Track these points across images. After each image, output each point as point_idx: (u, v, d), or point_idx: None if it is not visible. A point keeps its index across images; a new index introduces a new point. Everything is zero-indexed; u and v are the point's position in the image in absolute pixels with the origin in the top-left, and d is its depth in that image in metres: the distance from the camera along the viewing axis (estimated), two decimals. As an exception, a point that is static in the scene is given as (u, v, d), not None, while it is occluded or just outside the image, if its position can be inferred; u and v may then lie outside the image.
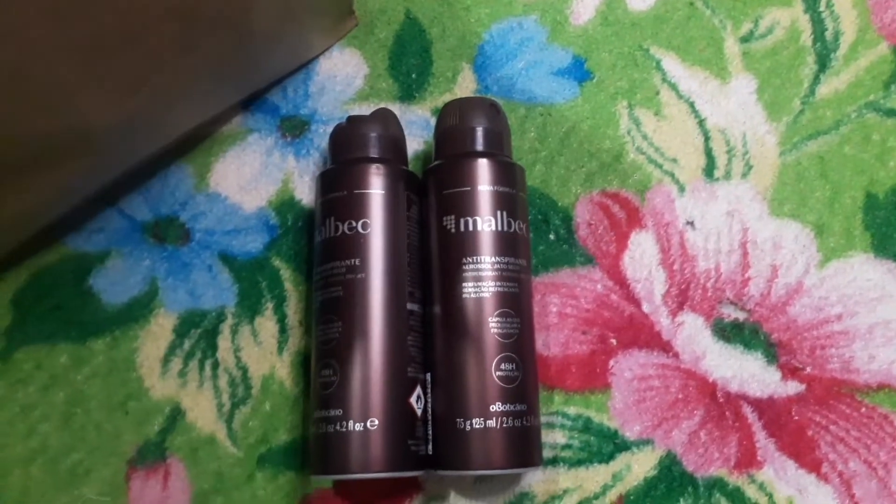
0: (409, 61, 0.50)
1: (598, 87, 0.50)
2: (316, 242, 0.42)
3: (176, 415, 0.43)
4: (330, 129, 0.47)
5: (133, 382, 0.44)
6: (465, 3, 0.51)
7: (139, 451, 0.43)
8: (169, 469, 0.43)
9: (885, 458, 0.44)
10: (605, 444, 0.44)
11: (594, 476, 0.44)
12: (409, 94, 0.49)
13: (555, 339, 0.45)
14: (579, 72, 0.50)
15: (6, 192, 0.37)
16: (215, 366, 0.44)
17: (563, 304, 0.46)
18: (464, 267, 0.40)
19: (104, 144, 0.39)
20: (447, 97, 0.49)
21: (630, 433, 0.44)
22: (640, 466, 0.44)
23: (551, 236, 0.47)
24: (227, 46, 0.41)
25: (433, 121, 0.48)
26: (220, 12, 0.38)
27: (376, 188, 0.41)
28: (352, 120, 0.44)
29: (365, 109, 0.48)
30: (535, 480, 0.43)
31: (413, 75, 0.49)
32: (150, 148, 0.42)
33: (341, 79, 0.49)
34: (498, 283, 0.40)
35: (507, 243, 0.41)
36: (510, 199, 0.42)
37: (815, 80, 0.50)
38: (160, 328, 0.45)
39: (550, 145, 0.48)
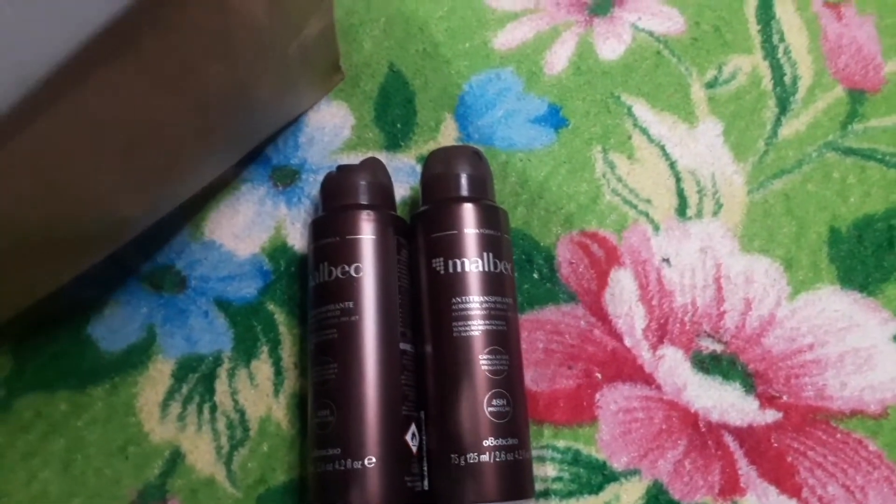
0: (394, 112, 0.52)
1: (574, 133, 0.52)
2: (310, 287, 0.44)
3: (176, 458, 0.44)
4: (319, 177, 0.49)
5: (132, 427, 0.45)
6: (445, 57, 0.53)
7: (140, 494, 0.44)
8: (168, 513, 0.44)
9: (861, 481, 0.46)
10: (594, 476, 0.45)
11: (584, 507, 0.45)
12: (394, 142, 0.51)
13: (542, 374, 0.47)
14: (555, 119, 0.52)
15: (34, 276, 0.39)
16: (213, 409, 0.45)
17: (549, 340, 0.48)
18: (453, 306, 0.42)
19: (131, 229, 0.41)
20: (431, 145, 0.51)
21: (618, 464, 0.46)
22: (628, 496, 0.45)
23: (535, 275, 0.49)
24: (236, 122, 0.43)
25: (419, 168, 0.51)
26: (230, 98, 0.40)
27: (367, 233, 0.43)
28: (342, 169, 0.46)
29: (353, 158, 0.50)
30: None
31: (398, 125, 0.52)
32: (161, 215, 0.44)
33: (329, 130, 0.51)
34: (487, 322, 0.42)
35: (494, 283, 0.43)
36: (495, 240, 0.44)
37: (777, 122, 0.53)
38: (158, 374, 0.46)
39: (531, 188, 0.51)
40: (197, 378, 0.46)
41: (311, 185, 0.50)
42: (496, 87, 0.53)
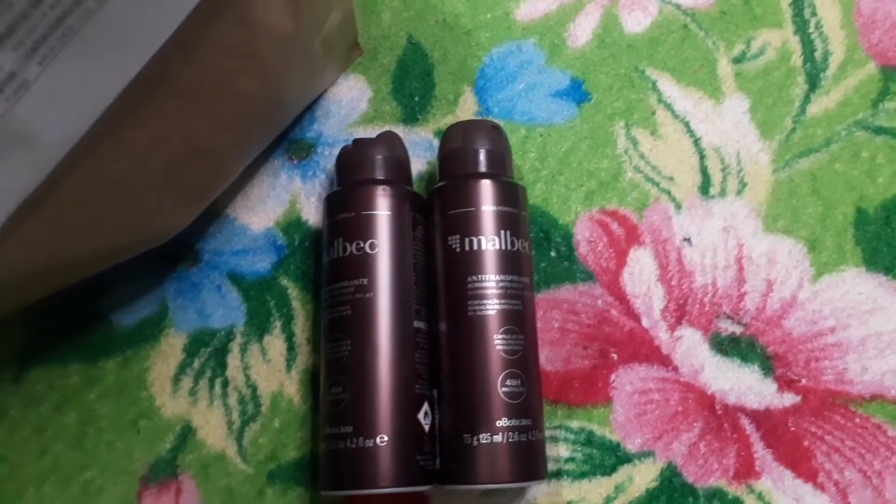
0: (412, 85, 0.51)
1: (596, 107, 0.51)
2: (324, 262, 0.43)
3: (187, 433, 0.44)
4: (335, 151, 0.48)
5: (144, 401, 0.45)
6: (465, 28, 0.52)
7: (151, 468, 0.44)
8: (180, 486, 0.44)
9: (879, 467, 0.45)
10: (607, 457, 0.45)
11: (597, 488, 0.45)
12: (412, 116, 0.50)
13: (557, 354, 0.46)
14: (577, 93, 0.51)
15: (64, 279, 0.39)
16: (225, 384, 0.45)
17: (565, 319, 0.47)
18: (469, 285, 0.42)
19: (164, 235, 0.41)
20: (449, 119, 0.50)
21: (632, 446, 0.45)
22: (641, 478, 0.45)
23: (552, 253, 0.48)
24: (267, 123, 0.43)
25: (436, 142, 0.50)
26: (263, 104, 0.40)
27: (383, 209, 0.42)
28: (358, 142, 0.45)
29: (369, 132, 0.49)
30: (540, 493, 0.44)
31: (416, 98, 0.51)
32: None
33: (346, 103, 0.50)
34: (502, 301, 0.41)
35: (511, 261, 0.42)
36: (513, 218, 0.43)
37: (806, 99, 0.51)
38: (170, 348, 0.45)
39: (551, 165, 0.50)
40: (209, 352, 0.45)
41: (327, 159, 0.49)
42: (517, 59, 0.52)
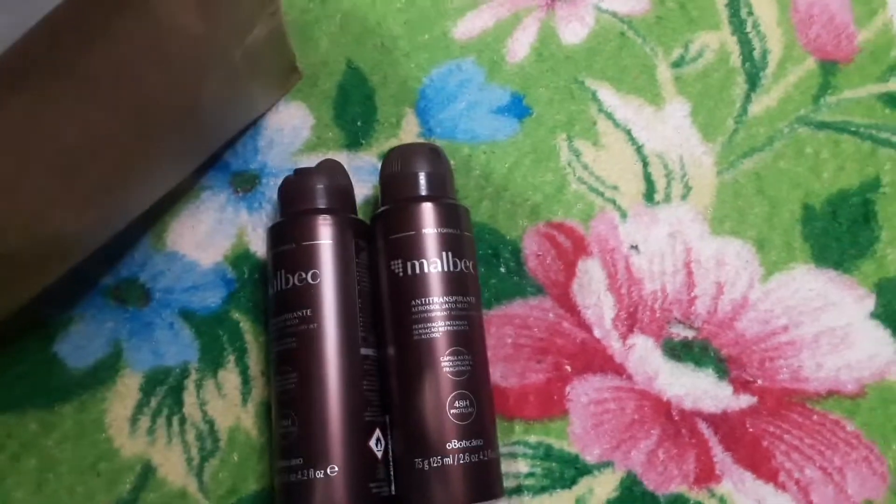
0: (354, 110, 0.51)
1: (538, 121, 0.51)
2: (269, 295, 0.43)
3: (147, 472, 0.45)
4: (280, 181, 0.48)
5: (103, 443, 0.45)
6: (404, 50, 0.52)
7: (112, 510, 0.44)
8: (143, 526, 0.44)
9: (839, 462, 0.45)
10: (566, 470, 0.45)
11: (557, 502, 0.45)
12: (355, 141, 0.51)
13: (512, 369, 0.47)
14: (518, 108, 0.51)
15: None
16: (182, 421, 0.45)
17: (518, 334, 0.47)
18: (413, 309, 0.42)
19: (77, 246, 0.40)
20: (393, 142, 0.51)
21: (590, 457, 0.45)
22: (602, 489, 0.45)
23: (502, 269, 0.48)
24: (184, 131, 0.42)
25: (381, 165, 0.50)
26: (173, 108, 0.40)
27: (325, 238, 0.43)
28: (298, 172, 0.45)
29: (313, 159, 0.50)
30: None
31: (358, 123, 0.51)
32: (115, 230, 0.44)
33: (288, 131, 0.51)
34: (448, 323, 0.42)
35: (455, 283, 0.43)
36: (455, 239, 0.43)
37: (747, 98, 0.52)
38: (126, 388, 0.46)
39: (496, 181, 0.50)
40: (165, 391, 0.46)
41: (272, 190, 0.49)
42: (457, 78, 0.52)
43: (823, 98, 0.51)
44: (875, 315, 0.47)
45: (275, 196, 0.49)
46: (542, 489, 0.45)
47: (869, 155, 0.50)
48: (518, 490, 0.45)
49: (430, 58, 0.52)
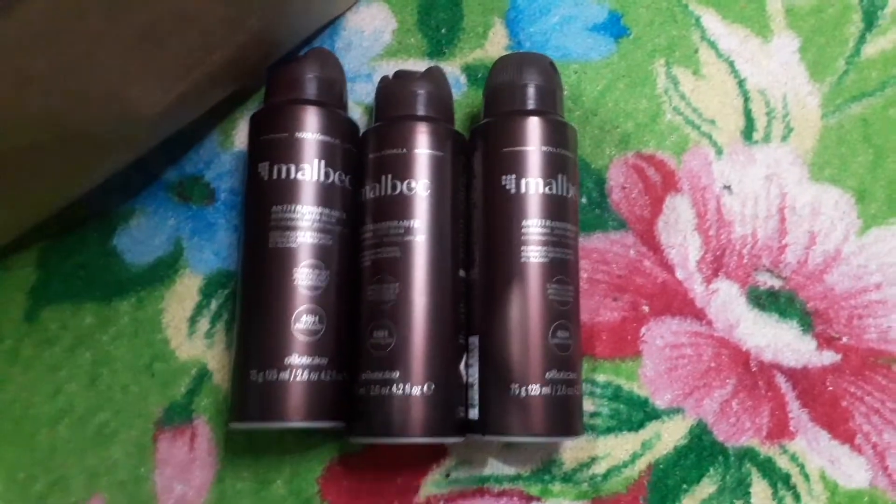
0: (439, 16, 0.48)
1: (635, 44, 0.48)
2: (364, 198, 0.41)
3: (202, 376, 0.43)
4: (356, 86, 0.46)
5: (159, 344, 0.43)
6: (498, -46, 0.49)
7: (166, 412, 0.43)
8: (195, 431, 0.43)
9: (920, 429, 0.43)
10: (634, 413, 0.43)
11: (623, 444, 0.43)
12: (438, 50, 0.48)
13: (585, 305, 0.44)
14: (615, 28, 0.48)
15: (54, 181, 0.36)
16: (241, 327, 0.44)
17: (594, 269, 0.45)
18: (523, 230, 0.39)
19: (152, 131, 0.38)
20: (478, 53, 0.47)
21: (660, 402, 0.44)
22: (670, 435, 0.43)
23: (584, 200, 0.46)
24: (269, 14, 0.39)
25: (463, 78, 0.47)
26: None
27: (440, 150, 0.40)
28: (400, 75, 0.42)
29: (392, 66, 0.47)
30: (564, 447, 0.43)
31: (443, 30, 0.48)
32: (191, 117, 0.41)
33: (369, 34, 0.48)
34: (556, 249, 0.40)
35: (566, 208, 0.41)
36: (570, 162, 0.41)
37: (861, 39, 0.48)
38: (186, 289, 0.44)
39: (584, 104, 0.47)
40: (226, 294, 0.44)
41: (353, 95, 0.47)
42: (552, -10, 0.48)
43: (945, 44, 0.48)
44: (976, 281, 0.45)
45: (348, 100, 0.46)
46: (608, 430, 0.43)
47: None
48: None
49: (526, -35, 0.49)
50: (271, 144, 0.40)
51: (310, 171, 0.40)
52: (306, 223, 0.39)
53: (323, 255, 0.39)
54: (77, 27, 0.29)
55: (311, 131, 0.40)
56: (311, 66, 0.42)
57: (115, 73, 0.32)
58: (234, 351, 0.40)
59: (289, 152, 0.40)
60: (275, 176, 0.40)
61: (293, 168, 0.40)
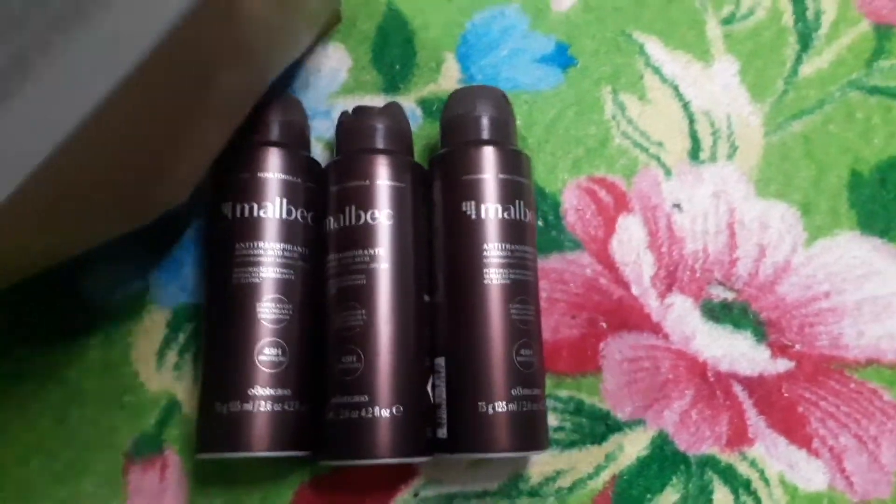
0: (393, 53, 0.50)
1: (582, 73, 0.50)
2: (329, 229, 0.42)
3: (172, 407, 0.44)
4: (316, 122, 0.47)
5: (128, 377, 0.44)
6: (447, -7, 0.51)
7: (135, 443, 0.43)
8: (166, 461, 0.43)
9: (874, 432, 0.44)
10: (597, 426, 0.44)
11: (587, 457, 0.44)
12: (393, 85, 0.49)
13: (545, 323, 0.45)
14: (563, 58, 0.50)
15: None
16: (209, 359, 0.45)
17: (553, 289, 0.46)
18: (485, 253, 0.41)
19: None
20: (432, 87, 0.49)
21: (622, 414, 0.45)
22: (632, 446, 0.44)
23: (540, 223, 0.47)
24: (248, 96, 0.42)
25: (419, 111, 0.49)
26: (245, 85, 0.40)
27: (400, 181, 0.42)
28: (363, 111, 0.44)
29: (350, 102, 0.48)
30: (529, 462, 0.44)
31: (397, 67, 0.50)
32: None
33: (325, 73, 0.50)
34: (517, 271, 0.41)
35: (525, 231, 0.42)
36: (526, 188, 0.43)
37: (798, 59, 0.50)
38: (153, 323, 0.45)
39: (537, 133, 0.49)
40: (193, 327, 0.45)
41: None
42: (500, 24, 0.51)
43: (876, 62, 0.50)
44: (920, 285, 0.46)
45: (316, 135, 0.48)
46: (572, 444, 0.44)
47: (921, 122, 0.49)
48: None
49: (473, 2, 0.51)
50: (235, 184, 0.42)
51: (272, 209, 0.41)
52: (269, 259, 0.40)
53: (285, 290, 0.40)
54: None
55: (272, 171, 0.42)
56: (272, 110, 0.43)
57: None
58: (200, 383, 0.41)
59: (252, 191, 0.41)
60: (238, 214, 0.41)
61: (255, 206, 0.41)
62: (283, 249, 0.41)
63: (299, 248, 0.42)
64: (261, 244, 0.41)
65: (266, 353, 0.39)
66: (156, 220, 0.40)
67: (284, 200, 0.41)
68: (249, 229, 0.41)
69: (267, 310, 0.40)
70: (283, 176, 0.42)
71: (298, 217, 0.42)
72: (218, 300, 0.41)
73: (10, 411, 0.43)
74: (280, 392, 0.39)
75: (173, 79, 0.31)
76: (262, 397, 0.39)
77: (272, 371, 0.39)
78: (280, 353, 0.40)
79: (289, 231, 0.41)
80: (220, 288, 0.41)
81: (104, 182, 0.33)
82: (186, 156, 0.38)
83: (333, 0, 0.47)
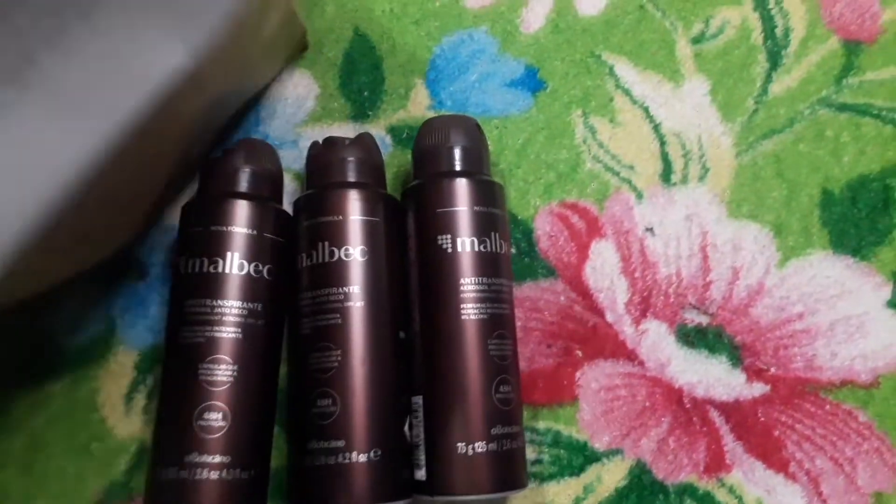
0: (361, 79, 0.49)
1: (552, 96, 0.49)
2: (300, 266, 0.41)
3: (142, 453, 0.43)
4: (283, 152, 0.46)
5: (95, 423, 0.43)
6: (413, 17, 0.50)
7: (106, 492, 0.42)
8: (137, 509, 0.42)
9: (850, 453, 0.44)
10: (575, 457, 0.44)
11: (566, 490, 0.44)
12: (362, 112, 0.48)
13: (521, 354, 0.45)
14: (532, 82, 0.49)
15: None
16: (179, 401, 0.44)
17: (527, 317, 0.46)
18: (462, 288, 0.40)
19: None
20: (401, 114, 0.48)
21: (599, 444, 0.44)
22: (610, 477, 0.44)
23: (513, 250, 0.47)
24: (205, 126, 0.41)
25: (389, 139, 0.48)
26: (203, 116, 0.39)
27: (374, 215, 0.41)
28: (332, 143, 0.43)
29: (318, 131, 0.47)
30: (508, 500, 0.43)
31: (365, 93, 0.49)
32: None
33: (292, 101, 0.48)
34: (495, 305, 0.40)
35: (501, 264, 0.41)
36: (499, 219, 0.42)
37: (768, 78, 0.50)
38: (120, 366, 0.44)
39: (508, 158, 0.48)
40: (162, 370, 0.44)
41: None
42: (469, 48, 0.50)
43: (846, 79, 0.50)
44: (892, 304, 0.46)
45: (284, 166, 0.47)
46: (550, 476, 0.44)
47: (891, 139, 0.49)
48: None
49: (441, 26, 0.50)
50: (189, 238, 0.41)
51: (222, 265, 0.40)
52: (215, 317, 0.39)
53: (231, 350, 0.39)
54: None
55: (224, 224, 0.40)
56: (235, 158, 0.42)
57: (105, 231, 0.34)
58: (151, 444, 0.40)
59: (203, 246, 0.40)
60: (189, 270, 0.40)
61: (206, 261, 0.40)
62: (232, 307, 0.39)
63: (250, 304, 0.40)
64: (208, 301, 0.39)
65: (206, 418, 0.38)
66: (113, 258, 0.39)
67: (237, 255, 0.40)
68: (198, 286, 0.40)
69: (208, 371, 0.38)
70: (238, 229, 0.40)
71: (251, 271, 0.40)
72: (167, 358, 0.40)
73: (-27, 463, 0.42)
74: (219, 459, 0.37)
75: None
76: (199, 465, 0.37)
77: (211, 437, 0.38)
78: (221, 417, 0.38)
79: (240, 287, 0.40)
80: (170, 346, 0.40)
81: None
82: (146, 188, 0.37)
83: (296, 27, 0.46)
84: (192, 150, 0.43)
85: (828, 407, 0.45)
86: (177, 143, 0.37)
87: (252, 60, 0.41)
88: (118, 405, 0.43)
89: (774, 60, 0.50)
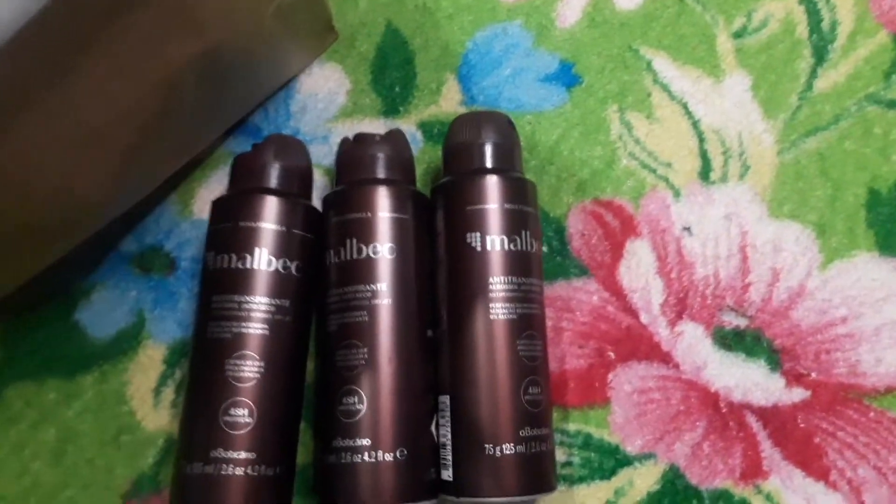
0: (393, 74, 0.48)
1: (588, 91, 0.48)
2: (330, 263, 0.41)
3: (170, 446, 0.43)
4: (314, 148, 0.46)
5: (125, 416, 0.43)
6: (446, 12, 0.49)
7: (133, 484, 0.42)
8: (164, 501, 0.42)
9: (894, 463, 0.43)
10: (606, 460, 0.43)
11: (596, 493, 0.43)
12: (393, 108, 0.48)
13: (552, 354, 0.44)
14: (567, 77, 0.48)
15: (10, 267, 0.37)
16: (207, 396, 0.44)
17: (559, 318, 0.45)
18: (491, 287, 0.39)
19: (99, 213, 0.39)
20: (433, 110, 0.48)
21: (631, 447, 0.43)
22: (642, 481, 0.43)
23: (545, 248, 0.46)
24: (210, 94, 0.40)
25: (420, 135, 0.47)
26: (200, 71, 0.37)
27: (404, 213, 0.41)
28: (365, 139, 0.43)
29: (349, 127, 0.47)
30: (536, 502, 0.43)
31: (397, 89, 0.48)
32: (140, 196, 0.42)
33: (323, 96, 0.48)
34: (524, 305, 0.40)
35: (531, 263, 0.41)
36: (532, 217, 0.41)
37: (813, 73, 0.48)
38: (149, 360, 0.44)
39: (540, 154, 0.47)
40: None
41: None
42: (503, 43, 0.49)
43: (895, 75, 0.48)
44: (941, 309, 0.44)
45: (314, 161, 0.46)
46: (580, 479, 0.43)
47: (942, 137, 0.47)
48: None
49: (475, 20, 0.49)
50: (218, 233, 0.41)
51: (250, 260, 0.39)
52: (242, 313, 0.39)
53: (258, 346, 0.39)
54: (16, 128, 0.29)
55: (253, 220, 0.40)
56: (265, 154, 0.42)
57: (56, 170, 0.33)
58: (177, 438, 0.40)
59: (231, 241, 0.40)
60: (217, 265, 0.40)
61: (234, 257, 0.40)
62: (260, 303, 0.39)
63: (278, 300, 0.40)
64: (235, 297, 0.39)
65: (231, 414, 0.38)
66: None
67: (265, 251, 0.40)
68: (225, 281, 0.39)
69: (235, 367, 0.38)
70: (267, 225, 0.40)
71: (279, 268, 0.40)
72: (195, 353, 0.40)
73: (4, 453, 0.43)
74: (244, 455, 0.37)
75: (115, 36, 0.30)
76: (224, 460, 0.37)
77: (237, 433, 0.37)
78: (247, 413, 0.38)
79: (268, 283, 0.39)
80: (197, 341, 0.40)
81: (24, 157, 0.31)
82: (126, 138, 0.36)
83: (319, 8, 0.45)
84: (194, 126, 0.42)
85: (872, 414, 0.43)
86: (162, 88, 0.36)
87: (262, 23, 0.40)
88: (147, 398, 0.44)
89: (820, 55, 0.49)
